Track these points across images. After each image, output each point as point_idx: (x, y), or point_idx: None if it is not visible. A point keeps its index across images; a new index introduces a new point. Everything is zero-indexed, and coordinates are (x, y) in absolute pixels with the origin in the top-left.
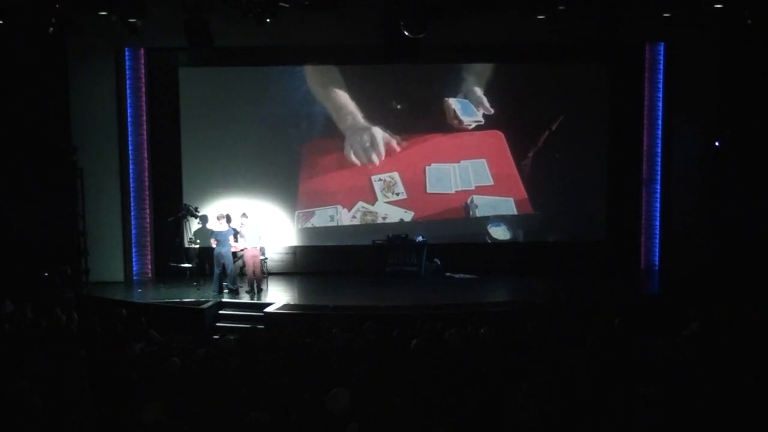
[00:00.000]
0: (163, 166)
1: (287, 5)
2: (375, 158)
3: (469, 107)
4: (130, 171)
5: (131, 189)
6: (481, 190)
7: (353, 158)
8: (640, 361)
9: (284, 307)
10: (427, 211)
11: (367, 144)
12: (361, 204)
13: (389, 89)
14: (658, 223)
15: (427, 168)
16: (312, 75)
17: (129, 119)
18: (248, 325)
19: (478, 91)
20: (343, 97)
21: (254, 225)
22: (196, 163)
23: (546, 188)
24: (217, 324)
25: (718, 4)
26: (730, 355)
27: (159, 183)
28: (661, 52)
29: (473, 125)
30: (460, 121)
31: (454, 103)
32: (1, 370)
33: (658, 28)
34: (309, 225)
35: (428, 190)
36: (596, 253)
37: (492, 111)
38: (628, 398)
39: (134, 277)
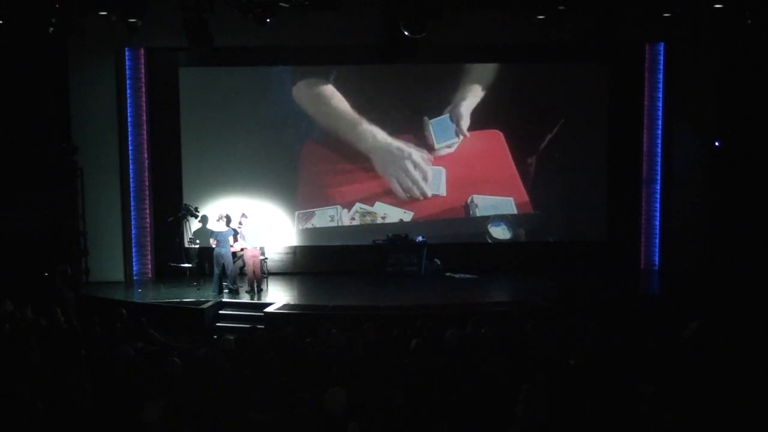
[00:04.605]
0: (163, 166)
1: (287, 5)
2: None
3: (448, 129)
4: (130, 171)
5: (131, 189)
6: (480, 188)
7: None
8: (640, 361)
9: (284, 307)
10: (427, 211)
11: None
12: (358, 205)
13: (389, 89)
14: (658, 223)
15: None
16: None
17: (129, 119)
18: (248, 325)
19: (464, 107)
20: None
21: (254, 225)
22: (196, 163)
23: (546, 188)
24: (217, 324)
25: (718, 4)
26: (730, 355)
27: (159, 183)
28: (661, 52)
29: (444, 152)
30: (432, 147)
31: (432, 124)
32: (1, 370)
33: (658, 28)
34: (309, 225)
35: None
36: (596, 253)
37: (467, 135)
38: (628, 398)
39: (134, 277)
